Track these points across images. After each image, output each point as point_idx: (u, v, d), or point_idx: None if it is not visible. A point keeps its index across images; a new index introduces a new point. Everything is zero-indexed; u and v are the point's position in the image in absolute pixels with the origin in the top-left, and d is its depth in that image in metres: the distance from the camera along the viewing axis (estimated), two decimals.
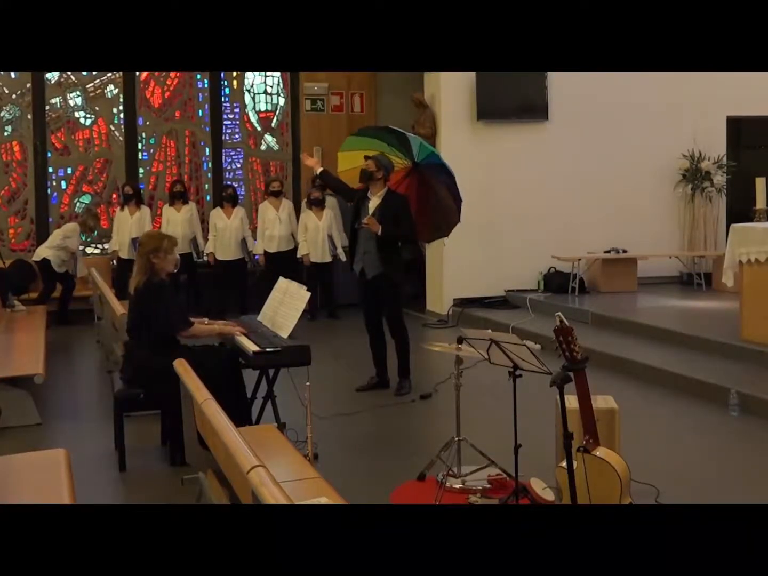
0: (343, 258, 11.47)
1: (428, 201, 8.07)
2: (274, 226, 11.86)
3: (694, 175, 12.06)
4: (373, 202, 7.58)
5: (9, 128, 12.40)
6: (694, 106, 11.90)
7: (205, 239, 11.99)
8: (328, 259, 11.81)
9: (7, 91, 12.34)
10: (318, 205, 11.83)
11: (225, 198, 12.04)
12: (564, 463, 4.10)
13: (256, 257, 12.07)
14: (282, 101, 13.38)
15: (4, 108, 12.35)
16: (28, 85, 12.33)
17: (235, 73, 13.14)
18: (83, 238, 12.46)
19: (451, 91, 11.41)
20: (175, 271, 6.43)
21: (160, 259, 6.11)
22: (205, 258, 11.94)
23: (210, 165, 13.12)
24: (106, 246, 12.45)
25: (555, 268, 11.47)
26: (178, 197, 11.92)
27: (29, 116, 12.38)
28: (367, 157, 7.67)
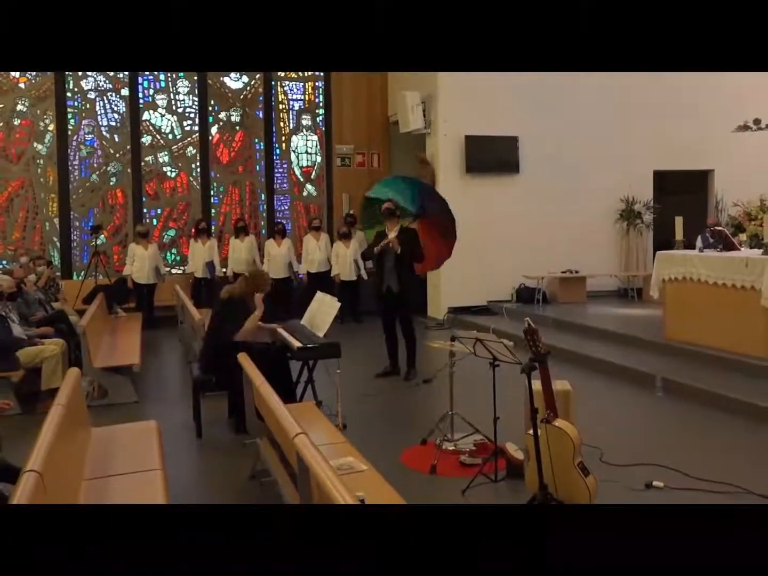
0: (365, 277, 11.49)
1: (440, 233, 8.09)
2: (315, 252, 11.91)
3: (629, 215, 12.04)
4: (391, 235, 7.61)
5: (114, 179, 12.47)
6: (629, 162, 11.90)
7: (261, 263, 12.03)
8: (354, 277, 11.82)
9: (112, 151, 12.41)
10: (346, 237, 11.85)
11: (276, 232, 12.08)
12: (531, 431, 4.10)
13: (300, 276, 12.11)
14: (319, 159, 13.40)
15: (110, 164, 12.43)
16: (128, 147, 12.41)
17: (283, 138, 13.17)
18: (168, 260, 12.54)
19: (446, 152, 11.42)
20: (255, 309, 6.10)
21: (256, 293, 6.04)
22: None
23: (265, 207, 13.16)
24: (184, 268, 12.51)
25: (524, 284, 11.45)
26: (241, 231, 11.97)
27: (129, 170, 12.45)
28: (384, 201, 7.75)
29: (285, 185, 13.29)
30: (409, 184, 8.23)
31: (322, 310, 6.47)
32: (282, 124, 13.24)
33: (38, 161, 12.17)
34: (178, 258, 12.74)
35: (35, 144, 12.14)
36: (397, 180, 8.50)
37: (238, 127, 13.01)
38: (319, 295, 6.81)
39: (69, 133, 12.22)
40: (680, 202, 12.00)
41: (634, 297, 11.69)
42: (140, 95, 12.51)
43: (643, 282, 11.53)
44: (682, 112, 11.96)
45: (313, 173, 13.42)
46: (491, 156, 11.41)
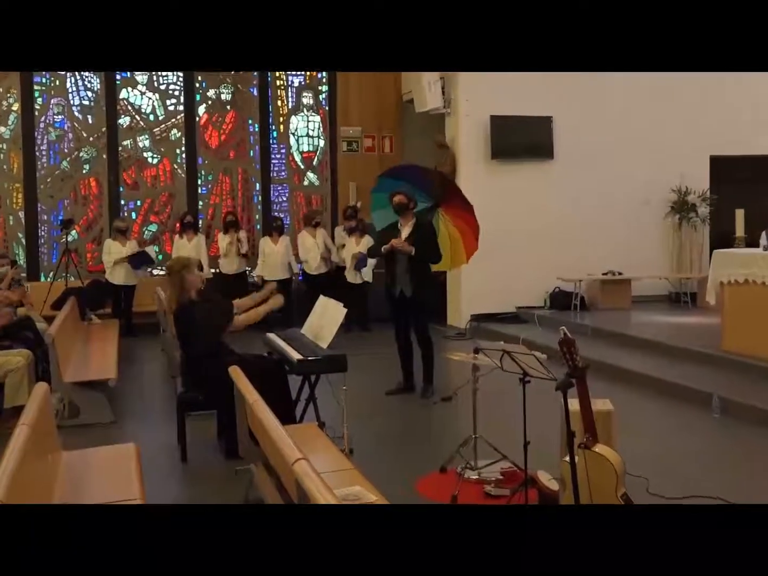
0: (370, 279, 11.51)
1: (467, 222, 8.11)
2: (313, 251, 11.90)
3: (682, 207, 12.02)
4: (405, 231, 7.63)
5: (87, 166, 12.56)
6: (681, 147, 11.87)
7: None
8: (360, 280, 11.83)
9: (85, 135, 12.50)
10: (354, 232, 11.84)
11: (274, 228, 12.09)
12: (567, 458, 4.09)
13: (300, 278, 12.14)
14: (322, 143, 13.46)
15: (82, 149, 12.51)
16: (103, 129, 12.49)
17: (281, 119, 13.23)
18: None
19: (468, 134, 11.44)
20: (202, 287, 6.35)
21: (190, 274, 6.13)
22: (255, 278, 12.04)
23: (260, 198, 13.22)
24: None
25: (559, 287, 11.45)
26: (231, 225, 12.01)
27: (104, 156, 12.53)
28: (393, 194, 7.72)
29: (283, 173, 13.34)
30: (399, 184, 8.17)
31: (326, 318, 6.48)
32: (279, 102, 13.29)
33: (0, 146, 12.26)
34: (160, 256, 12.79)
35: None
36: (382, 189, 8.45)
37: (229, 107, 13.07)
38: (322, 299, 6.82)
39: (36, 113, 12.31)
40: (741, 192, 11.96)
41: (687, 303, 11.65)
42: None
43: (697, 285, 11.49)
44: (741, 87, 11.90)
45: (316, 159, 13.47)
46: (521, 139, 11.42)
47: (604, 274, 11.54)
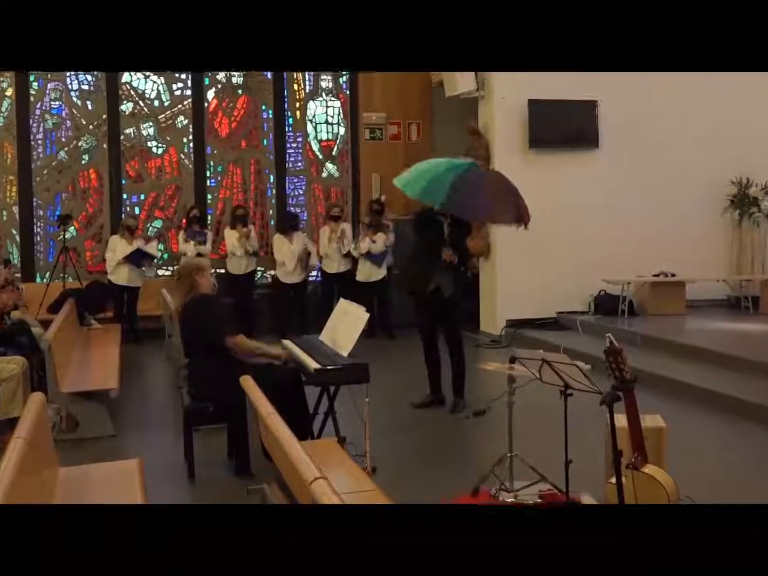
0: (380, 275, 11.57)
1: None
2: (333, 248, 11.92)
3: (742, 201, 11.93)
4: (446, 229, 7.60)
5: (86, 157, 12.66)
6: (741, 133, 11.76)
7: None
8: (381, 276, 11.83)
9: (84, 122, 12.60)
10: (370, 228, 11.83)
11: (291, 227, 12.07)
12: (613, 480, 4.08)
13: (317, 278, 12.14)
14: (342, 130, 13.49)
15: (81, 138, 12.62)
16: (104, 117, 12.58)
17: (297, 104, 13.28)
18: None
19: (504, 120, 11.42)
20: (213, 292, 6.45)
21: (201, 277, 6.19)
22: (269, 277, 12.08)
23: (274, 191, 13.26)
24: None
25: (605, 290, 11.39)
26: (239, 220, 12.00)
27: (105, 146, 12.62)
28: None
29: (299, 164, 13.38)
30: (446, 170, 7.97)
31: (347, 323, 6.49)
32: (296, 86, 13.34)
33: None
34: (165, 255, 12.85)
35: None
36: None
37: (240, 91, 13.13)
38: (342, 303, 6.84)
39: (31, 99, 12.44)
40: None
41: (748, 308, 11.56)
42: None
43: (760, 288, 11.40)
44: None
45: (335, 149, 13.49)
46: (562, 126, 11.38)
47: (655, 275, 11.47)
